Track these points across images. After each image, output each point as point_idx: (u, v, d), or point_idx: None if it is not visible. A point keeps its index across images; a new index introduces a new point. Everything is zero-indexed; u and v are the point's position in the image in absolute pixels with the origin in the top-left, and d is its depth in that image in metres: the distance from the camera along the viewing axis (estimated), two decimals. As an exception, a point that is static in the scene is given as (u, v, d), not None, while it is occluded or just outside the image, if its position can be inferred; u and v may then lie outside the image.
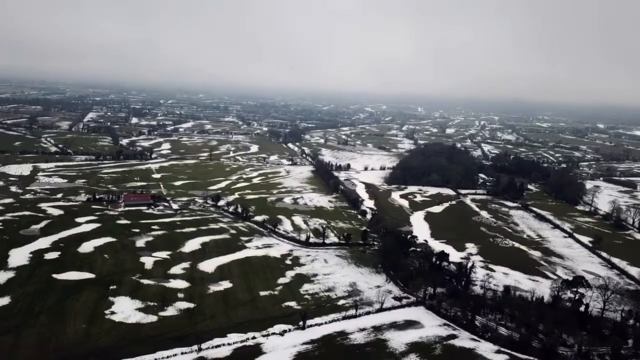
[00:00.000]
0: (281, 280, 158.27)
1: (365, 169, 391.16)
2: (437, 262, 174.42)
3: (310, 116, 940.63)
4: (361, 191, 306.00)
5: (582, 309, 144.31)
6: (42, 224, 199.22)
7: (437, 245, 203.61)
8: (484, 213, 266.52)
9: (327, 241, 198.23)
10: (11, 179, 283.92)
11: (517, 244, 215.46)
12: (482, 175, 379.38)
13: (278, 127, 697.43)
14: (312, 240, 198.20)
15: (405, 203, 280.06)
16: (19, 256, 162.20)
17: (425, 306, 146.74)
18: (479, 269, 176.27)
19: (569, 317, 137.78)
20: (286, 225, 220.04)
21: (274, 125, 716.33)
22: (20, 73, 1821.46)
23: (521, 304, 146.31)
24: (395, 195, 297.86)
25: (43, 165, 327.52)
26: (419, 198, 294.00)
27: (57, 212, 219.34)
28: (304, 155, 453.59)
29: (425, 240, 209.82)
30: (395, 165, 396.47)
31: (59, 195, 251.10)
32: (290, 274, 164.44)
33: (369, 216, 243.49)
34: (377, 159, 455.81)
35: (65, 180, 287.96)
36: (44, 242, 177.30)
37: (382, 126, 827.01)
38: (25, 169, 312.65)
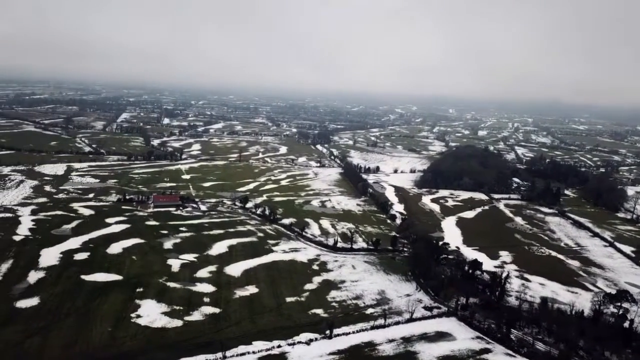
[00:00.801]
0: (308, 286, 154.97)
1: (395, 171, 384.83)
2: (470, 271, 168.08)
3: (339, 117, 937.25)
4: (390, 195, 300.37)
5: (626, 324, 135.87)
6: (74, 224, 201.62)
7: (470, 253, 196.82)
8: (518, 219, 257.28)
9: (355, 246, 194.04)
10: (46, 178, 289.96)
11: (554, 253, 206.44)
12: (516, 179, 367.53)
13: (307, 128, 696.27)
14: (339, 245, 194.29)
15: (436, 207, 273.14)
16: (49, 256, 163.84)
17: (457, 317, 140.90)
18: (513, 278, 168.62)
19: (612, 333, 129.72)
20: (313, 229, 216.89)
21: (303, 127, 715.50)
22: (59, 74, 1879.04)
23: (559, 318, 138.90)
24: (426, 200, 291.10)
25: (77, 165, 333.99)
26: (450, 202, 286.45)
27: (88, 212, 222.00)
28: (333, 157, 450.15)
29: (457, 247, 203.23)
30: (426, 168, 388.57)
31: (91, 195, 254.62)
32: (317, 279, 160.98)
33: (398, 221, 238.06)
34: (407, 161, 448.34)
35: (98, 180, 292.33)
36: (74, 243, 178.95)
37: (413, 128, 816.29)
38: (59, 169, 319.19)
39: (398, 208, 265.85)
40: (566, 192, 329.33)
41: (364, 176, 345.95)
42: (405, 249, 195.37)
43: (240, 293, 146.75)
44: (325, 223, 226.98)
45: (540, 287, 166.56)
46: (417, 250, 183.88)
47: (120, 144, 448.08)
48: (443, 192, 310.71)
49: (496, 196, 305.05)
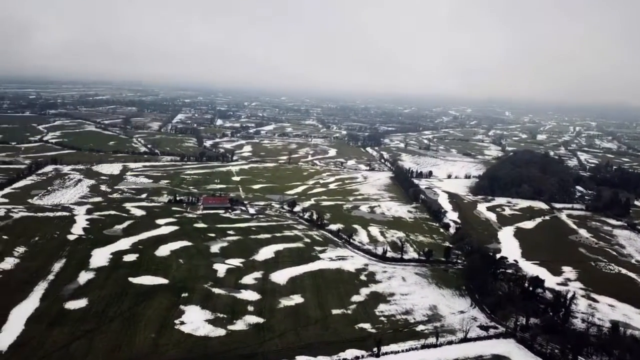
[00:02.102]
0: (355, 298, 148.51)
1: (449, 176, 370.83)
2: (531, 288, 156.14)
3: (390, 119, 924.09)
4: (444, 201, 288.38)
5: None
6: (125, 224, 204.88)
7: (529, 267, 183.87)
8: (582, 231, 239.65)
9: (405, 256, 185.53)
10: (102, 177, 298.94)
11: (624, 270, 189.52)
12: (579, 187, 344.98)
13: (357, 130, 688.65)
14: (389, 254, 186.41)
15: (492, 216, 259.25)
16: (100, 257, 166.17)
17: (516, 339, 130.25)
18: (579, 298, 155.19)
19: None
20: (362, 236, 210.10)
21: (353, 129, 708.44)
22: (120, 76, 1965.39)
23: (633, 346, 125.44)
24: (482, 207, 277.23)
25: (132, 165, 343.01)
26: (507, 211, 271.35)
27: (139, 212, 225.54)
28: (383, 161, 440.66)
29: (515, 261, 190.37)
30: (481, 174, 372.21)
31: (143, 196, 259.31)
32: (365, 291, 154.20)
33: (452, 230, 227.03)
34: (462, 166, 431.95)
35: (151, 181, 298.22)
36: (124, 243, 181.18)
37: (467, 130, 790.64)
38: (115, 168, 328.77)
39: (452, 216, 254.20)
40: (636, 202, 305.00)
41: (416, 181, 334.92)
42: (459, 261, 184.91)
43: (285, 302, 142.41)
44: (374, 230, 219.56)
45: (609, 310, 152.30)
46: (472, 263, 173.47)
47: (174, 144, 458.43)
48: (500, 200, 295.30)
49: (557, 205, 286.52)
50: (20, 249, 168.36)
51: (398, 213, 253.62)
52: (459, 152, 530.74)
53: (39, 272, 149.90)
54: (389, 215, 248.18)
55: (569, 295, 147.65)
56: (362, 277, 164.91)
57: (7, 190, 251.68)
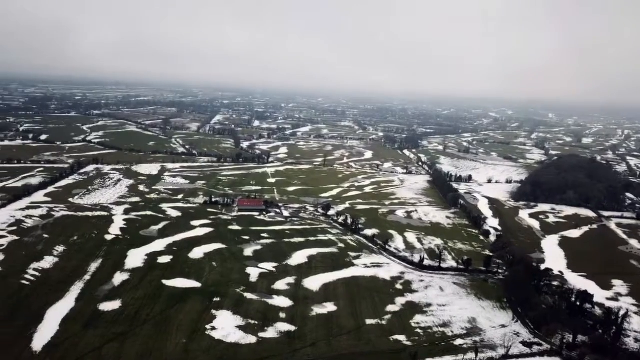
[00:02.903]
0: (390, 308, 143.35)
1: (489, 181, 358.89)
2: (578, 303, 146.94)
3: (428, 121, 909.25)
4: (484, 207, 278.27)
5: None
6: (161, 225, 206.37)
7: (576, 280, 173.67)
8: (633, 242, 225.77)
9: (443, 265, 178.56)
10: (141, 177, 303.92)
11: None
12: (629, 195, 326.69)
13: (394, 132, 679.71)
14: (426, 262, 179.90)
15: (535, 224, 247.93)
16: (135, 258, 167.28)
17: (562, 358, 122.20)
18: (633, 316, 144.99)
19: None
20: (398, 242, 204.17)
21: (390, 130, 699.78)
22: (162, 77, 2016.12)
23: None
24: (524, 214, 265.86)
25: (170, 166, 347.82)
26: (551, 219, 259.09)
27: (175, 213, 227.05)
28: (420, 164, 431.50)
29: (561, 272, 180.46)
30: (523, 179, 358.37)
31: (180, 196, 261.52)
32: (400, 301, 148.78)
33: (492, 237, 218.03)
34: (502, 170, 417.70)
35: (187, 182, 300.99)
36: (159, 245, 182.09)
37: (508, 133, 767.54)
38: (154, 169, 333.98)
39: (492, 223, 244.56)
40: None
41: (455, 185, 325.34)
42: (500, 271, 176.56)
43: (317, 310, 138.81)
44: (411, 236, 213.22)
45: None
46: (514, 273, 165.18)
47: (212, 145, 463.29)
48: (543, 207, 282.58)
49: (606, 214, 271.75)
50: (60, 248, 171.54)
51: (436, 219, 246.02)
52: (499, 155, 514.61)
53: (76, 272, 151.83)
54: (427, 221, 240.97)
55: (621, 312, 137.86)
56: (398, 286, 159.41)
57: (50, 189, 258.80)
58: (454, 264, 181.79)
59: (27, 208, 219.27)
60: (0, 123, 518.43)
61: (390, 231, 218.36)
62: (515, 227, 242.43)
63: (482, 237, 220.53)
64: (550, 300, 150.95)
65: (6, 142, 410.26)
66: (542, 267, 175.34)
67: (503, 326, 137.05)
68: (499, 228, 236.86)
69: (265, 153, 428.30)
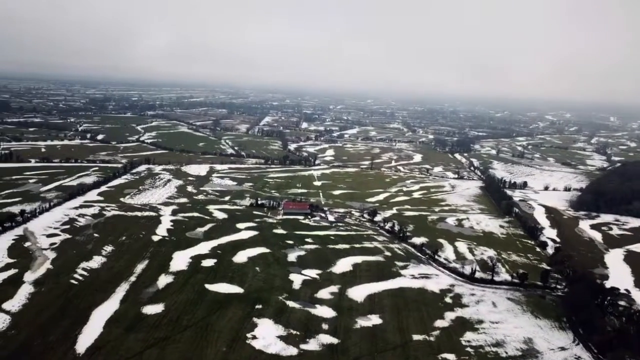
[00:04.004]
0: (439, 323, 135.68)
1: (546, 188, 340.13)
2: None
3: (481, 124, 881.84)
4: (540, 216, 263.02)
5: None
6: (207, 227, 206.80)
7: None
8: None
9: (496, 278, 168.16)
10: (190, 178, 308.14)
11: None
12: None
13: (445, 135, 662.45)
14: (478, 274, 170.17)
15: (597, 236, 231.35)
16: (180, 260, 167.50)
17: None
18: None
19: None
20: (448, 252, 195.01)
21: (441, 133, 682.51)
22: (214, 79, 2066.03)
23: None
24: (584, 225, 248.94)
25: (218, 167, 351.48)
26: (616, 231, 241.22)
27: (221, 215, 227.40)
28: (472, 168, 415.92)
29: (627, 291, 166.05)
30: (583, 187, 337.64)
31: (227, 198, 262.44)
32: (449, 316, 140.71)
33: (550, 250, 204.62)
34: (560, 177, 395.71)
35: (235, 183, 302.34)
36: (204, 247, 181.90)
37: (566, 137, 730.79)
38: (203, 170, 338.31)
39: (549, 234, 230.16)
40: None
41: (509, 192, 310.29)
42: (558, 287, 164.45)
43: (362, 322, 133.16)
44: (462, 246, 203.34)
45: None
46: (575, 290, 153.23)
47: (260, 147, 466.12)
48: (606, 217, 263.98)
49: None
50: (108, 248, 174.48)
51: (489, 228, 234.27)
52: (557, 161, 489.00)
53: (122, 273, 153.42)
54: (479, 230, 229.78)
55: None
56: (447, 300, 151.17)
57: (103, 188, 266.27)
58: (507, 277, 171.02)
59: (81, 207, 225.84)
60: (61, 123, 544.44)
61: (440, 240, 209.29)
62: (575, 239, 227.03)
63: (538, 249, 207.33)
64: (617, 322, 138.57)
65: (66, 142, 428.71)
66: (607, 284, 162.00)
67: (562, 349, 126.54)
68: (557, 240, 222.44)
69: (312, 155, 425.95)
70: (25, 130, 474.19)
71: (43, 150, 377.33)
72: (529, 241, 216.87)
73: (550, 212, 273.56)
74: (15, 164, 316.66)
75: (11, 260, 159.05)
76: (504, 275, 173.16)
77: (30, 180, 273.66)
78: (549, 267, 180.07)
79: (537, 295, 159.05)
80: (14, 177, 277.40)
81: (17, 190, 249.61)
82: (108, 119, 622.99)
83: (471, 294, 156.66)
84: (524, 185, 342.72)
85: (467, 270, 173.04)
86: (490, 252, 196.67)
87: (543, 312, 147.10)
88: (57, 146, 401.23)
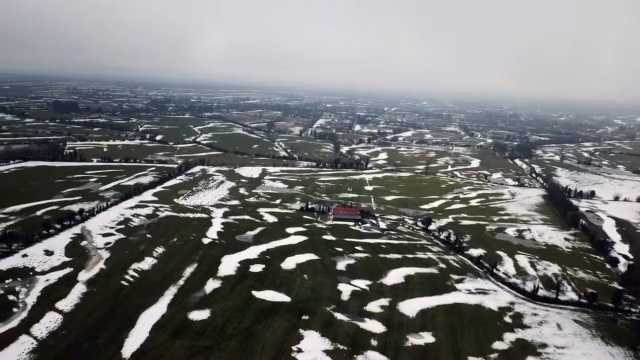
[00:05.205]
0: (497, 345, 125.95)
1: (616, 199, 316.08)
2: None
3: (543, 128, 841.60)
4: (610, 229, 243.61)
5: None
6: (256, 231, 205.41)
7: None
8: None
9: (561, 297, 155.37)
10: (242, 180, 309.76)
11: None
12: None
13: (504, 139, 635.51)
14: (540, 292, 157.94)
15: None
16: (228, 264, 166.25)
17: None
18: None
19: None
20: (507, 266, 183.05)
21: (500, 137, 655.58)
22: (270, 80, 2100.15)
23: None
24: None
25: (270, 169, 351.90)
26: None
27: (272, 219, 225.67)
28: (534, 175, 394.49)
29: None
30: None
31: (277, 201, 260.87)
32: (509, 337, 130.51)
33: (622, 267, 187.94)
34: (632, 186, 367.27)
35: (286, 186, 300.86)
36: (253, 252, 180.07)
37: (638, 143, 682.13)
38: (255, 172, 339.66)
39: (621, 249, 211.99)
40: None
41: (574, 202, 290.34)
42: (633, 310, 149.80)
43: (413, 340, 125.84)
44: (523, 260, 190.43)
45: None
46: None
47: (312, 149, 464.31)
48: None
49: None
50: (160, 250, 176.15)
51: (552, 240, 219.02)
52: (627, 169, 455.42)
53: (171, 276, 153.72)
54: (541, 242, 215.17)
55: None
56: (507, 319, 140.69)
57: (158, 188, 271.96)
58: (574, 296, 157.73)
59: (136, 207, 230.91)
60: (124, 123, 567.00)
61: (499, 252, 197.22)
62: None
63: (608, 266, 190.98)
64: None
65: (126, 142, 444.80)
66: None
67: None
68: (630, 256, 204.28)
69: (364, 159, 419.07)
70: (90, 130, 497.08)
71: (105, 149, 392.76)
72: (598, 257, 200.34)
73: (622, 224, 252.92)
74: (78, 162, 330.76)
75: (68, 259, 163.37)
76: (569, 294, 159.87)
77: (91, 180, 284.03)
78: (621, 287, 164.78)
79: (608, 319, 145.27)
80: (76, 176, 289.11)
81: (78, 189, 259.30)
82: (167, 119, 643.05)
83: (533, 313, 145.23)
84: (592, 194, 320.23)
85: (529, 286, 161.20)
86: (554, 268, 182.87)
87: (615, 338, 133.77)
88: (119, 146, 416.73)
